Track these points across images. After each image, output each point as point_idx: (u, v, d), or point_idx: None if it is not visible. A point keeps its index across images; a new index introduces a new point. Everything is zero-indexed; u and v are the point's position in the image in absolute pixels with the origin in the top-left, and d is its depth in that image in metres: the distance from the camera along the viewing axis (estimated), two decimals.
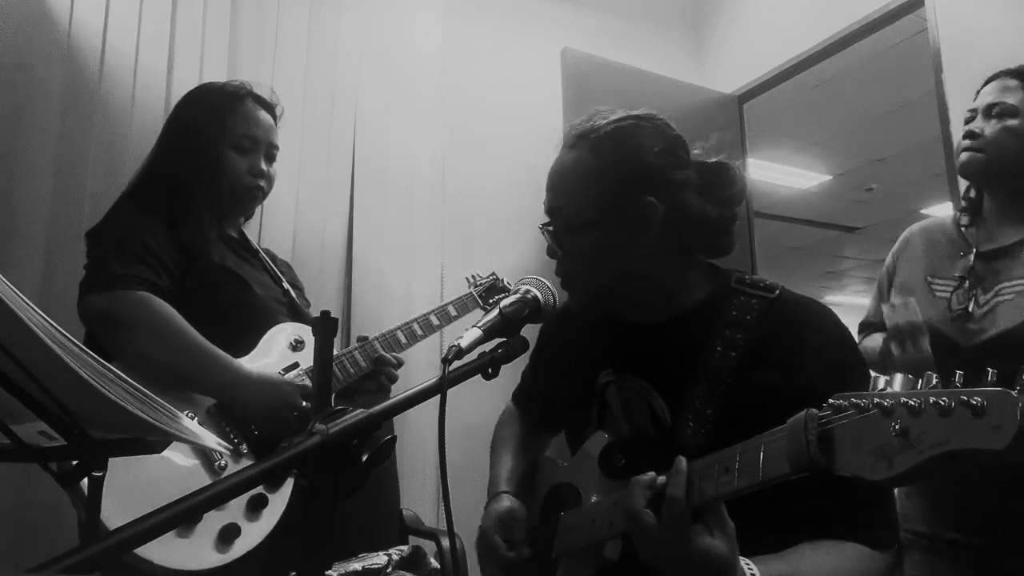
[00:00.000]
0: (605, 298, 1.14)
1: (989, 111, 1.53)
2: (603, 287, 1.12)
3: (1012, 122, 1.50)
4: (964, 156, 1.53)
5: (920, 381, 0.65)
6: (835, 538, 0.93)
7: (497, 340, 0.97)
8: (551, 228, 1.12)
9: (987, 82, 1.59)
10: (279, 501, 1.42)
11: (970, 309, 1.46)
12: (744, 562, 0.83)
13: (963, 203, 1.62)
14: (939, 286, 1.55)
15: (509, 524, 1.20)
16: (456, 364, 0.86)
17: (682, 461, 0.84)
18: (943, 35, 2.59)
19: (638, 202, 1.05)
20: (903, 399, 0.63)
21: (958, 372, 0.62)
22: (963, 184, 1.69)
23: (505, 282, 1.93)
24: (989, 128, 1.51)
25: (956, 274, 1.53)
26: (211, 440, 0.80)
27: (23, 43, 2.19)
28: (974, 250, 1.52)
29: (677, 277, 1.11)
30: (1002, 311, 1.42)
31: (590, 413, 1.18)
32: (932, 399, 0.61)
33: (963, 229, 1.59)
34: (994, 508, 1.40)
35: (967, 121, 1.58)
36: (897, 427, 0.63)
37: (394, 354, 1.64)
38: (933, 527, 1.51)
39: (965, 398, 0.59)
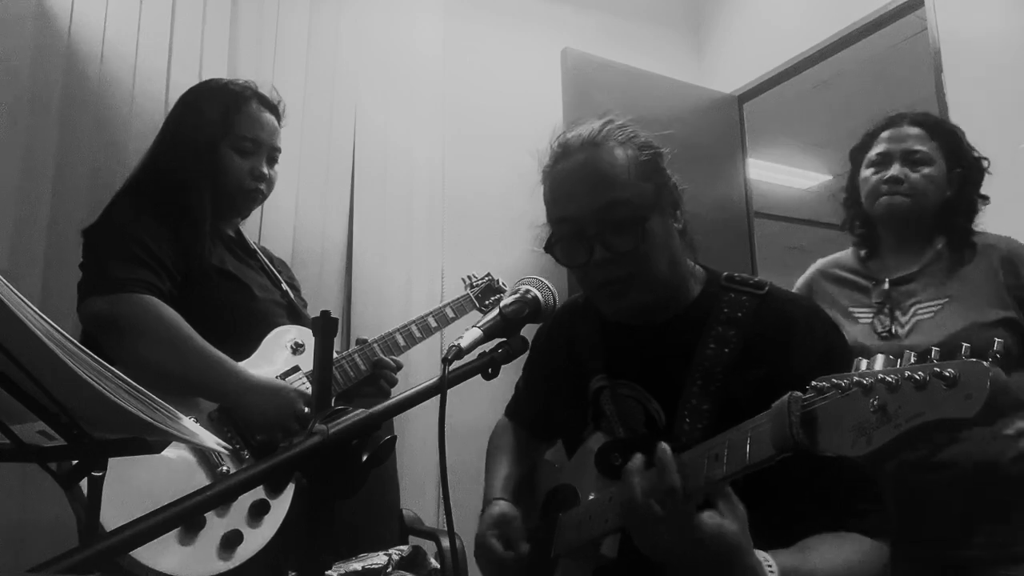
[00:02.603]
0: (658, 294, 1.09)
1: (909, 157, 1.62)
2: (662, 282, 1.08)
3: (928, 170, 1.61)
4: (888, 199, 1.62)
5: (900, 360, 0.66)
6: (834, 530, 0.94)
7: (497, 340, 0.97)
8: (601, 229, 1.05)
9: (887, 125, 1.68)
10: (281, 507, 1.41)
11: (894, 331, 1.60)
12: (762, 555, 0.84)
13: (858, 239, 1.76)
14: (860, 314, 1.67)
15: (504, 527, 1.20)
16: (456, 364, 0.86)
17: (665, 448, 0.85)
18: (943, 35, 2.59)
19: (672, 183, 1.11)
20: (881, 375, 0.65)
21: (934, 348, 0.64)
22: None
23: (501, 283, 1.93)
24: (912, 175, 1.61)
25: (875, 301, 1.66)
26: (210, 440, 0.79)
27: (23, 43, 2.19)
28: (887, 279, 1.64)
29: (685, 272, 1.13)
30: (925, 327, 1.56)
31: (586, 418, 1.18)
32: (908, 373, 0.63)
33: (865, 263, 1.73)
34: (955, 511, 1.46)
35: (876, 164, 1.66)
36: (875, 403, 0.64)
37: (393, 357, 1.64)
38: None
39: (939, 370, 0.60)
